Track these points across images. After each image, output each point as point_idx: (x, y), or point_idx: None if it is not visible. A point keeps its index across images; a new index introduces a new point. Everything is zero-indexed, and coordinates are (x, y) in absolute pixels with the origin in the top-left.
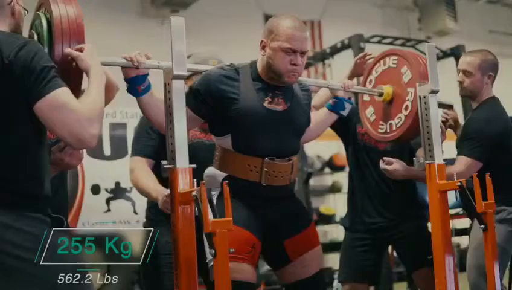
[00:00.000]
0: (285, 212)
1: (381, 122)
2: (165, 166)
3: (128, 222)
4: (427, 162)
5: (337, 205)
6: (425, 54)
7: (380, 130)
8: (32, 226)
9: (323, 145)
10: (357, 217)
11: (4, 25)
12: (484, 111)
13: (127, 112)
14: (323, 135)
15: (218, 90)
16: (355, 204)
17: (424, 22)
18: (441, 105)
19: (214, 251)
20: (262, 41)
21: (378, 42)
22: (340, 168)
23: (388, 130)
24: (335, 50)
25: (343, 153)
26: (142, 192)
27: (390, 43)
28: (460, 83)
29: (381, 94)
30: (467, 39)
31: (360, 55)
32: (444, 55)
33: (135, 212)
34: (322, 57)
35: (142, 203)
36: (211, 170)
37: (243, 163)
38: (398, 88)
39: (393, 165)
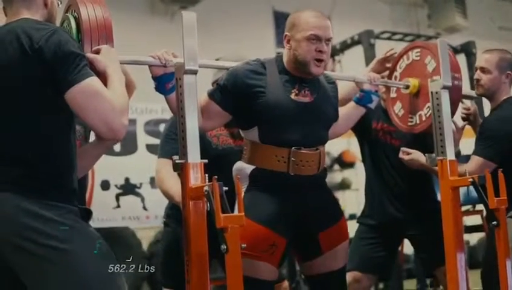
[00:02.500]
0: (318, 204)
1: (410, 115)
2: (177, 161)
3: (138, 217)
4: (439, 158)
5: (347, 201)
6: None
7: (409, 123)
8: (60, 215)
9: (332, 142)
10: (373, 211)
11: (37, 16)
12: (503, 110)
13: (136, 107)
14: None
15: (246, 85)
16: (371, 199)
17: (433, 19)
18: (463, 96)
19: (225, 247)
20: (286, 36)
21: (388, 38)
22: (350, 165)
23: (418, 121)
24: (345, 46)
25: (353, 149)
26: (166, 194)
27: (401, 40)
28: (478, 81)
29: (407, 86)
30: (477, 36)
31: (383, 54)
32: (454, 51)
33: (144, 208)
34: (332, 53)
35: (151, 199)
36: (239, 164)
37: (270, 154)
38: (424, 79)
39: (410, 155)
